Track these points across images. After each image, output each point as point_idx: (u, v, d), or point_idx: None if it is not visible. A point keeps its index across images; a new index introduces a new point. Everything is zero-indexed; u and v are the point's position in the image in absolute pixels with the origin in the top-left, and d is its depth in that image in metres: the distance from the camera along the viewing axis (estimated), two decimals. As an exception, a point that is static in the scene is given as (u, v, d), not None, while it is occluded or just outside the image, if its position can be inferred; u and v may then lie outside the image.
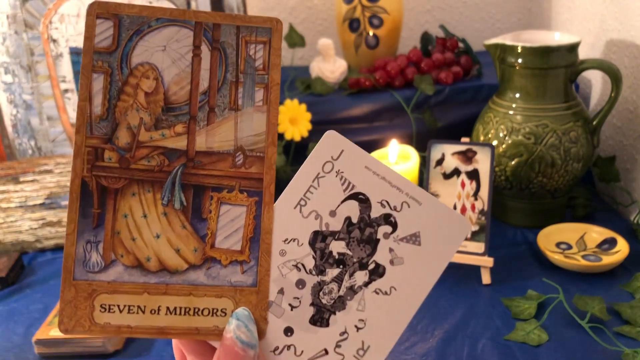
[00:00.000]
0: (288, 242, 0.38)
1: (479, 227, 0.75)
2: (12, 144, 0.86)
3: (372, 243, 0.39)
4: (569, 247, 0.80)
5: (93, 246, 0.36)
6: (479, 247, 0.75)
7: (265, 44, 0.38)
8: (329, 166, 0.39)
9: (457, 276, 0.76)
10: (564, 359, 0.62)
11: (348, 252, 0.39)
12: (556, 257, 0.76)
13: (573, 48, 0.81)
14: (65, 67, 0.85)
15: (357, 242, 0.39)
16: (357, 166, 0.39)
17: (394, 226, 0.39)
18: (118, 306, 0.36)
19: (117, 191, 0.37)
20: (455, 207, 0.77)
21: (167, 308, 0.36)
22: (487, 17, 1.27)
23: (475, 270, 0.76)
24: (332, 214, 0.39)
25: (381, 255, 0.38)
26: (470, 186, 0.76)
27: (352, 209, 0.39)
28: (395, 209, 0.39)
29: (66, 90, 0.85)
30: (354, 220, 0.39)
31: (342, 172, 0.39)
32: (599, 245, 0.79)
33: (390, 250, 0.39)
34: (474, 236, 0.75)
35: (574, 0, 1.07)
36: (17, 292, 0.79)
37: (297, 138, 0.95)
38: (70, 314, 0.35)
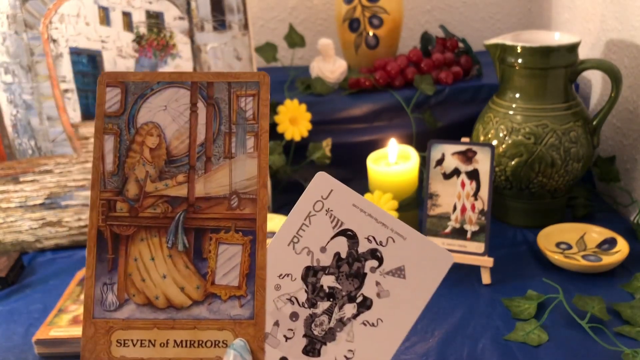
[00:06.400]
0: (282, 277, 0.41)
1: (479, 227, 0.75)
2: (12, 144, 0.86)
3: (360, 277, 0.41)
4: (569, 247, 0.80)
5: (109, 287, 0.40)
6: (479, 247, 0.75)
7: (255, 96, 0.42)
8: (320, 205, 0.42)
9: (457, 276, 0.76)
10: (564, 359, 0.62)
11: (337, 285, 0.41)
12: (556, 257, 0.76)
13: (573, 48, 0.81)
14: (65, 67, 0.85)
15: (345, 276, 0.41)
16: (345, 204, 0.42)
17: (380, 260, 0.41)
18: (132, 341, 0.40)
19: (128, 237, 0.41)
20: (455, 207, 0.77)
21: (175, 341, 0.40)
22: (487, 17, 1.27)
23: (475, 270, 0.76)
24: (323, 249, 0.42)
25: (368, 289, 0.41)
26: (470, 186, 0.76)
27: (341, 245, 0.42)
28: (381, 244, 0.42)
29: (66, 90, 0.85)
30: (343, 255, 0.42)
31: (332, 210, 0.42)
32: (599, 245, 0.79)
33: (377, 283, 0.41)
34: (474, 236, 0.75)
35: (574, 0, 1.07)
36: (17, 292, 0.79)
37: (297, 138, 0.95)
38: (91, 349, 0.40)
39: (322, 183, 0.42)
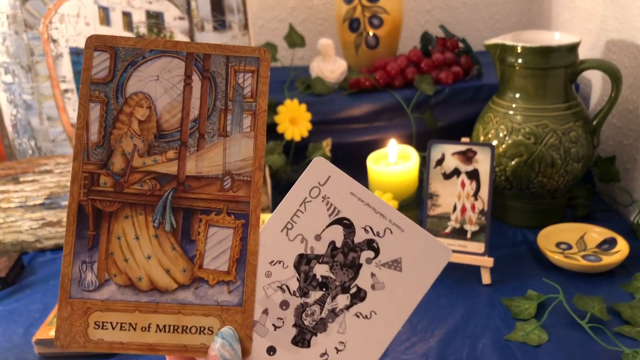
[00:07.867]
0: (274, 264, 0.40)
1: (479, 227, 0.75)
2: (12, 144, 0.86)
3: (355, 267, 0.40)
4: (569, 247, 0.80)
5: (88, 266, 0.38)
6: (479, 247, 0.75)
7: (254, 72, 0.40)
8: (316, 191, 0.41)
9: (457, 276, 0.76)
10: (564, 359, 0.62)
11: (331, 275, 0.40)
12: (556, 257, 0.76)
13: (573, 48, 0.81)
14: (65, 67, 0.85)
15: (340, 266, 0.40)
16: (343, 192, 0.41)
17: (377, 251, 0.40)
18: (111, 323, 0.37)
19: (112, 214, 0.38)
20: (455, 207, 0.77)
21: (157, 326, 0.38)
22: (487, 17, 1.27)
23: (475, 270, 0.76)
24: (317, 237, 0.40)
25: (363, 280, 0.40)
26: (470, 186, 0.76)
27: (337, 234, 0.40)
28: (378, 235, 0.40)
29: (66, 90, 0.85)
30: (338, 244, 0.40)
31: (329, 198, 0.41)
32: (599, 245, 0.79)
33: (372, 275, 0.40)
34: (474, 236, 0.75)
35: (574, 0, 1.07)
36: (17, 292, 0.79)
37: (297, 138, 0.95)
38: (67, 330, 0.37)
39: (319, 168, 0.41)
